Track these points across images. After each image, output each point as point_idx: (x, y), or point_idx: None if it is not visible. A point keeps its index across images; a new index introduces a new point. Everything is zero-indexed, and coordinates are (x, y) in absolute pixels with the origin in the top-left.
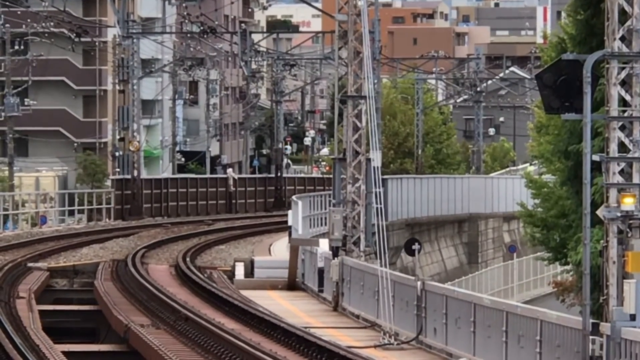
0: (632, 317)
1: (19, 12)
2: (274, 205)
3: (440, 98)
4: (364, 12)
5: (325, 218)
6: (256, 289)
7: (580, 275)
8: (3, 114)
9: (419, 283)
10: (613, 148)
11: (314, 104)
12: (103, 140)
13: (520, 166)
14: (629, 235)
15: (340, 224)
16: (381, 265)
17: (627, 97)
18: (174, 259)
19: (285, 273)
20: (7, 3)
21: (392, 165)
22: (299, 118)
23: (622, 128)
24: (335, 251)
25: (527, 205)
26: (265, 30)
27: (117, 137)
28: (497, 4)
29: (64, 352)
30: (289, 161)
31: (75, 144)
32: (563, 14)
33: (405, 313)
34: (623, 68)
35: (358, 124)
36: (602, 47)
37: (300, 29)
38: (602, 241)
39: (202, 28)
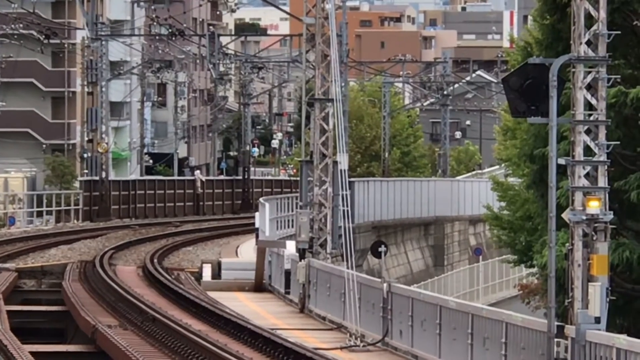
0: (597, 320)
1: None
2: (241, 208)
3: (407, 101)
4: (331, 15)
5: (292, 220)
6: (223, 290)
7: (546, 278)
8: None
9: (385, 285)
10: (579, 151)
11: (282, 107)
12: (71, 141)
13: (487, 169)
14: (594, 238)
15: (307, 226)
16: (348, 268)
17: (593, 101)
18: (142, 260)
19: (252, 275)
20: None
21: (358, 169)
22: (267, 120)
23: (587, 132)
24: (302, 253)
25: (493, 208)
26: (233, 33)
27: (86, 138)
28: (464, 8)
29: (31, 353)
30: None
31: (44, 146)
32: (529, 19)
33: (372, 315)
34: (589, 72)
35: (325, 126)
36: (568, 52)
37: (268, 32)
38: (567, 244)
39: (170, 30)
